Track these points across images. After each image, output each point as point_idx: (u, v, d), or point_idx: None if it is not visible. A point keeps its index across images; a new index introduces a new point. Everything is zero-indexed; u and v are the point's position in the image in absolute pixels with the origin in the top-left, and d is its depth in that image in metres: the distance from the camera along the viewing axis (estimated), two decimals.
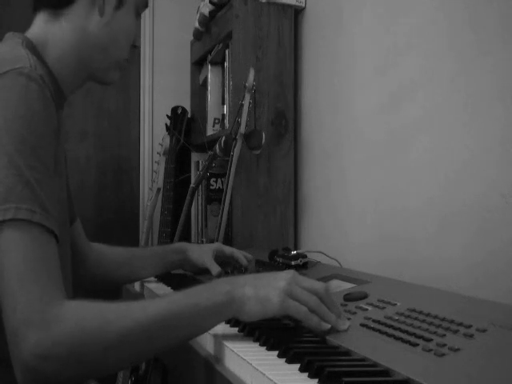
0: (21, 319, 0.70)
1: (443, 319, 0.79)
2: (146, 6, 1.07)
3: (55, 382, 0.71)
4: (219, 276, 1.31)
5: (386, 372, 0.67)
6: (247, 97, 1.79)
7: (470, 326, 0.74)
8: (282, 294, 0.81)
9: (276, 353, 0.76)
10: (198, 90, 2.47)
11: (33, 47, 0.94)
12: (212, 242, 1.94)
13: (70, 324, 0.71)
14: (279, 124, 2.00)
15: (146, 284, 1.43)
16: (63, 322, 0.71)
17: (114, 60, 1.04)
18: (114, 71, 1.06)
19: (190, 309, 0.79)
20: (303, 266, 1.34)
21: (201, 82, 2.44)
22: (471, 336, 0.71)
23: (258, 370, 0.69)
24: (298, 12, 2.06)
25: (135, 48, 1.09)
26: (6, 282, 0.72)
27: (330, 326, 0.83)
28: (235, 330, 0.91)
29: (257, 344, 0.82)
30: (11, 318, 0.71)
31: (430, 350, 0.69)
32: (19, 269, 0.72)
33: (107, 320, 0.74)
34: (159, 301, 0.80)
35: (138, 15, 1.06)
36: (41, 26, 0.99)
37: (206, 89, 2.31)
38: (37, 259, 0.74)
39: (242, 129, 1.79)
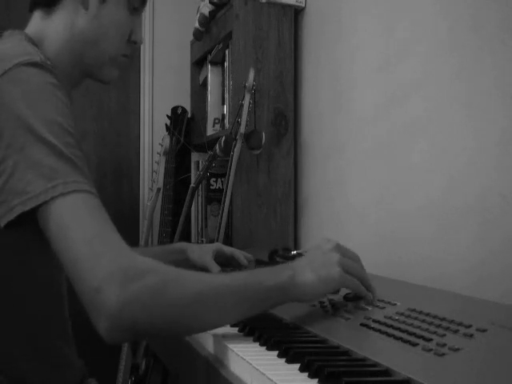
0: (104, 275, 0.72)
1: (443, 319, 0.79)
2: (142, 1, 1.04)
3: (139, 329, 0.74)
4: None
5: (386, 372, 0.67)
6: (247, 97, 1.79)
7: (469, 326, 0.74)
8: (339, 270, 0.87)
9: (276, 353, 0.76)
10: (198, 90, 2.47)
11: (33, 43, 0.94)
12: (212, 242, 1.94)
13: (152, 274, 0.75)
14: (279, 124, 2.00)
15: None
16: (147, 273, 0.74)
17: (107, 55, 1.03)
18: (110, 68, 1.05)
19: (254, 285, 0.83)
20: None
21: (201, 82, 2.44)
22: (471, 336, 0.71)
23: (258, 369, 0.69)
24: (297, 12, 2.06)
25: (135, 44, 1.07)
26: (75, 252, 0.74)
27: (371, 295, 0.92)
28: (235, 329, 0.91)
29: (257, 344, 0.82)
30: (88, 280, 0.72)
31: (430, 350, 0.69)
32: (87, 234, 0.75)
33: (184, 277, 0.79)
34: (225, 274, 0.87)
35: (134, 10, 1.03)
36: (36, 24, 1.00)
37: (206, 89, 2.31)
38: (99, 221, 0.77)
39: (242, 129, 1.79)
